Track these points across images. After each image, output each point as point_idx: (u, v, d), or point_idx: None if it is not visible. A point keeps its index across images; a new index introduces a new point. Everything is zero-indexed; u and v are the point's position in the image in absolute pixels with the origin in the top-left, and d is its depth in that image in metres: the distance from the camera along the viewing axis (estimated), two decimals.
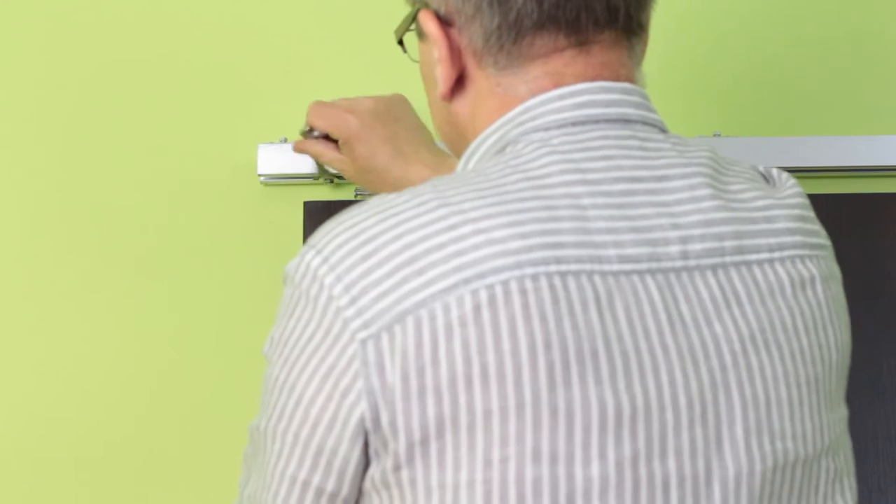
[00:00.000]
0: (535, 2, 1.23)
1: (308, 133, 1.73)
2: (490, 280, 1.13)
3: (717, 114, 2.00)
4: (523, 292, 1.13)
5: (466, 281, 1.13)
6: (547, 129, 1.24)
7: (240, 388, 1.92)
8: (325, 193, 1.96)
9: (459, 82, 1.29)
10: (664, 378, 1.16)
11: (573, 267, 1.15)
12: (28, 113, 1.98)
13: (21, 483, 1.92)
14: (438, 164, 1.60)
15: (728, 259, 1.21)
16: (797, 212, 1.28)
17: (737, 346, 1.19)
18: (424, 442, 1.14)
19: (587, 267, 1.16)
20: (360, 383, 1.14)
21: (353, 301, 1.15)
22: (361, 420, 1.15)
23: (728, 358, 1.19)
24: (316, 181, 1.94)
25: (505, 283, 1.13)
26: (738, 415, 1.18)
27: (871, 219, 1.93)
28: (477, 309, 1.13)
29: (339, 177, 1.92)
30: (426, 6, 1.28)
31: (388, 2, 1.98)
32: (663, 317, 1.17)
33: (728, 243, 1.22)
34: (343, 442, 1.17)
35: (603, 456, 1.13)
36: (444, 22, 1.27)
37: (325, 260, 1.17)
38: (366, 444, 1.17)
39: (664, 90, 2.00)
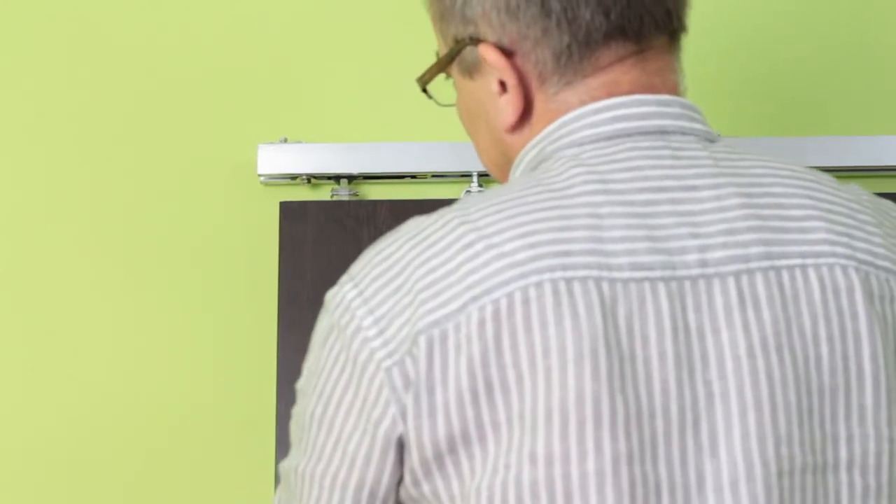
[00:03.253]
0: (602, 14, 1.23)
1: None
2: (496, 294, 1.14)
3: (717, 114, 2.00)
4: (526, 302, 1.14)
5: (475, 298, 1.14)
6: (580, 144, 1.24)
7: (240, 388, 1.92)
8: (302, 194, 1.96)
9: (524, 109, 1.28)
10: (657, 387, 1.16)
11: (580, 273, 1.15)
12: (28, 113, 1.98)
13: (20, 483, 1.92)
14: None
15: (754, 265, 1.19)
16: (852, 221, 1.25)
17: (742, 351, 1.18)
18: (438, 458, 1.15)
19: (595, 273, 1.15)
20: (393, 409, 1.16)
21: (380, 332, 1.17)
22: (400, 443, 1.17)
23: (730, 365, 1.18)
24: (317, 181, 1.94)
25: (509, 295, 1.14)
26: (735, 421, 1.17)
27: None
28: (482, 324, 1.14)
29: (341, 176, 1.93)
30: (481, 41, 1.27)
31: (388, 2, 1.98)
32: (667, 324, 1.17)
33: (754, 249, 1.20)
34: (386, 470, 1.18)
35: (599, 450, 1.14)
36: (507, 52, 1.26)
37: (361, 293, 1.19)
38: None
39: None
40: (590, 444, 1.13)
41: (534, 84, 1.26)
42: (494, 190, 1.22)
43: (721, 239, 1.19)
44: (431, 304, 1.15)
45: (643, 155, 1.23)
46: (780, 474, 1.17)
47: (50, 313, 1.94)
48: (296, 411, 1.25)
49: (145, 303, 1.95)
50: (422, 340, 1.14)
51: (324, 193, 1.96)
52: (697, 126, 1.28)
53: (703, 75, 2.02)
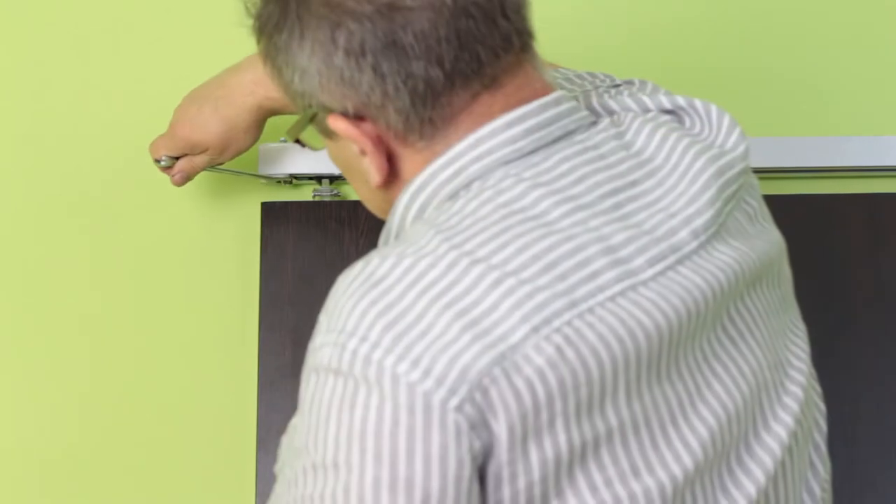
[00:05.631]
0: (436, 66, 1.22)
1: (167, 163, 1.81)
2: (556, 323, 1.14)
3: None
4: (591, 325, 1.15)
5: (536, 329, 1.13)
6: (507, 161, 1.24)
7: (240, 388, 1.93)
8: (283, 194, 1.96)
9: (391, 165, 1.27)
10: (707, 351, 1.23)
11: (616, 288, 1.17)
12: (28, 113, 1.99)
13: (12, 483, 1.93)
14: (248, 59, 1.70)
15: (723, 216, 1.27)
16: (744, 145, 1.34)
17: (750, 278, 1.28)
18: (529, 488, 1.14)
19: (627, 283, 1.18)
20: (478, 445, 1.12)
21: (426, 373, 1.11)
22: (481, 478, 1.14)
23: (757, 315, 1.28)
24: (299, 181, 1.95)
25: (570, 323, 1.14)
26: (761, 357, 1.26)
27: (870, 219, 1.92)
28: (559, 349, 1.13)
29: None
30: (329, 111, 1.26)
31: None
32: (709, 293, 1.22)
33: (718, 205, 1.26)
34: None
35: (687, 445, 1.18)
36: (356, 118, 1.25)
37: (377, 344, 1.13)
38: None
39: None
40: (678, 445, 1.19)
41: (394, 142, 1.26)
42: (465, 222, 1.20)
43: (693, 208, 1.25)
44: (487, 339, 1.12)
45: (579, 163, 1.25)
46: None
47: (47, 313, 1.95)
48: (325, 490, 1.13)
49: (142, 303, 1.95)
50: (497, 373, 1.11)
51: (305, 194, 1.96)
52: (583, 115, 1.30)
53: (700, 74, 2.01)
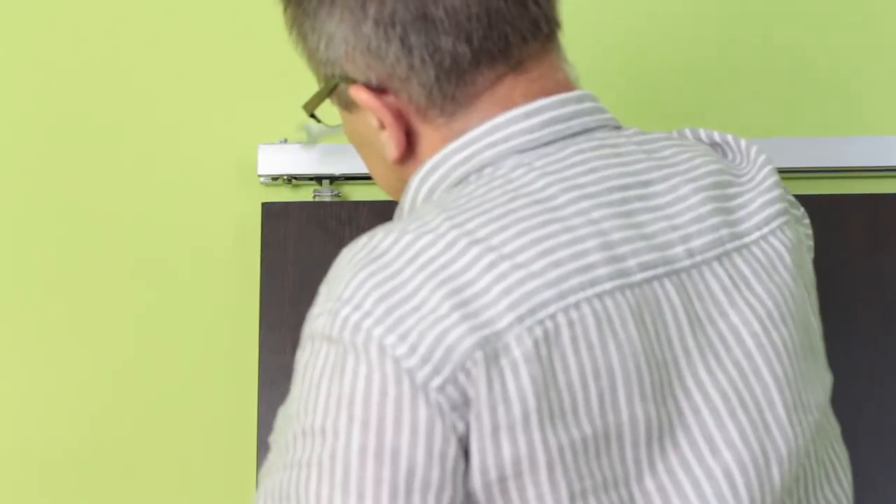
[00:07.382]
0: (464, 42, 1.22)
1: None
2: (540, 315, 1.13)
3: (716, 114, 2.00)
4: (570, 324, 1.14)
5: (520, 318, 1.12)
6: (521, 150, 1.24)
7: (240, 388, 1.93)
8: (284, 195, 1.96)
9: (408, 141, 1.27)
10: (690, 383, 1.19)
11: (607, 286, 1.16)
12: (28, 113, 1.99)
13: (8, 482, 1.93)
14: None
15: (729, 246, 1.23)
16: (773, 179, 1.30)
17: (757, 328, 1.22)
18: (502, 480, 1.13)
19: (618, 283, 1.17)
20: (461, 426, 1.12)
21: (412, 349, 1.11)
22: (465, 462, 1.12)
23: (751, 342, 1.21)
24: (298, 181, 1.94)
25: (553, 317, 1.13)
26: (776, 396, 1.21)
27: (871, 219, 1.93)
28: (536, 345, 1.12)
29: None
30: (352, 81, 1.26)
31: None
32: (683, 320, 1.19)
33: (723, 231, 1.24)
34: (458, 489, 1.12)
35: (653, 467, 1.16)
36: (378, 90, 1.25)
37: (368, 314, 1.13)
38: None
39: (663, 91, 2.00)
40: (644, 465, 1.16)
41: (414, 117, 1.26)
42: (471, 202, 1.20)
43: (694, 227, 1.23)
44: (472, 322, 1.12)
45: (592, 157, 1.24)
46: (811, 439, 1.24)
47: (46, 313, 1.95)
48: (313, 457, 1.13)
49: (142, 303, 1.95)
50: (478, 357, 1.11)
51: (306, 194, 1.96)
52: (608, 115, 1.29)
53: (700, 74, 2.01)
